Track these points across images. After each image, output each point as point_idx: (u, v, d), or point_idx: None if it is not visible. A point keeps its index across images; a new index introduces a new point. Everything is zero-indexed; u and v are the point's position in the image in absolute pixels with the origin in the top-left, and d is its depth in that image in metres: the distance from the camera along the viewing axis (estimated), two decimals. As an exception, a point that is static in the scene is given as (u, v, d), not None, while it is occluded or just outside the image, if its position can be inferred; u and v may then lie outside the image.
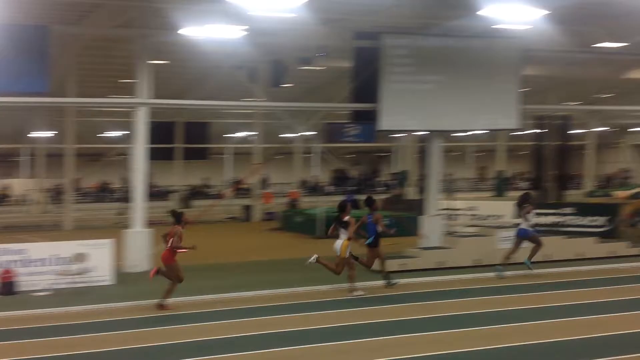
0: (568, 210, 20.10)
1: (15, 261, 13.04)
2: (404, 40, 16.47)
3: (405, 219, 21.52)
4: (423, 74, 16.59)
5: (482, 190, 46.29)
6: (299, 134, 31.50)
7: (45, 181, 35.00)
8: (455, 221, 21.87)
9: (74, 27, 18.59)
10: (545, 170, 30.57)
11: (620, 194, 35.50)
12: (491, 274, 14.43)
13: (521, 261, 14.57)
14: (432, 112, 16.89)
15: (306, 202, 33.31)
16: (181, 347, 9.01)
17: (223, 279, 14.44)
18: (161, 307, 11.30)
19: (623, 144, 51.70)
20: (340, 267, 12.43)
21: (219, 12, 14.22)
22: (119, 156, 33.74)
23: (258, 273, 15.52)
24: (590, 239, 17.41)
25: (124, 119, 26.47)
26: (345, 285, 12.56)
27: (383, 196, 35.96)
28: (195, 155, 36.22)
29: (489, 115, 17.40)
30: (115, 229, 19.14)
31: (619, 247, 17.35)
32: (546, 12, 13.84)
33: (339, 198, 33.27)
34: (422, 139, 20.59)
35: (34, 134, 33.22)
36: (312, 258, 12.44)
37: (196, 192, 42.95)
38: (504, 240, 15.37)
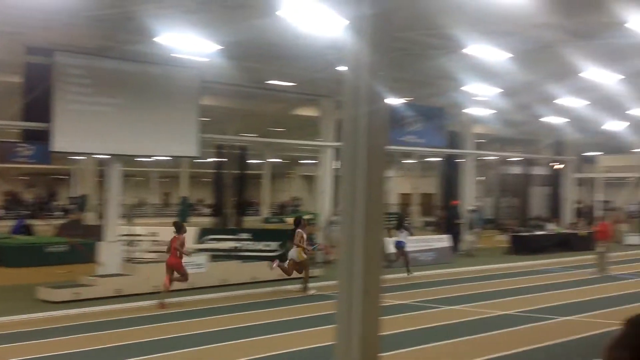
0: (245, 235, 21.19)
1: None
2: (79, 60, 15.86)
3: (83, 245, 20.60)
4: (100, 96, 16.11)
5: (167, 216, 46.45)
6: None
7: None
8: (136, 247, 21.57)
9: None
10: (226, 197, 32.05)
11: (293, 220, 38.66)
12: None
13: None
14: (110, 136, 16.47)
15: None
16: None
17: None
18: None
19: (294, 174, 56.64)
20: (291, 271, 15.92)
21: None
22: None
23: None
24: (264, 263, 18.57)
25: None
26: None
27: (60, 221, 33.94)
28: None
29: (169, 141, 17.61)
30: None
31: (288, 270, 18.76)
32: (220, 46, 14.61)
33: (11, 223, 30.78)
34: (101, 162, 19.99)
35: None
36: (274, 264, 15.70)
37: None
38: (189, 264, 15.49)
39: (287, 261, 16.15)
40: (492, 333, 12.05)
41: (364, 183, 6.02)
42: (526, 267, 22.03)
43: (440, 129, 25.43)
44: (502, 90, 21.28)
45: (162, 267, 14.40)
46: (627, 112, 26.10)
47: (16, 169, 43.90)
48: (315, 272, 18.21)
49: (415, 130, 24.04)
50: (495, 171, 39.77)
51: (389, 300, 15.08)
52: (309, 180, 47.55)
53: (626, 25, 11.03)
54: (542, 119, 29.55)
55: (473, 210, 26.90)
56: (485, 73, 18.22)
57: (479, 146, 32.31)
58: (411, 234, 21.35)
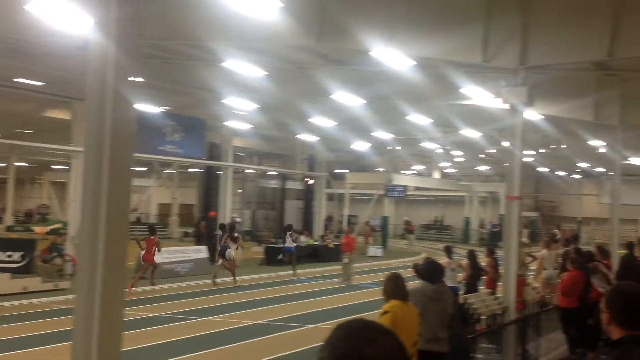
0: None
1: None
2: None
3: None
4: None
5: None
6: None
7: None
8: None
9: None
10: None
11: (40, 229, 35.89)
12: None
13: None
14: None
15: None
16: None
17: None
18: None
19: (43, 180, 52.66)
20: (233, 269, 19.98)
21: None
22: None
23: None
24: (6, 275, 17.03)
25: None
26: None
27: None
28: None
29: None
30: None
31: (33, 283, 17.35)
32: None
33: None
34: None
35: None
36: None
37: None
38: None
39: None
40: (242, 342, 12.32)
41: (107, 191, 5.79)
42: (279, 278, 22.89)
43: (200, 140, 25.51)
44: (259, 106, 21.94)
45: None
46: (371, 133, 28.46)
47: None
48: (62, 284, 17.23)
49: (174, 140, 23.83)
50: (253, 184, 40.84)
51: (140, 312, 14.73)
52: (62, 187, 44.62)
53: (370, 53, 12.01)
54: (297, 136, 31.04)
55: (236, 222, 27.29)
56: (244, 88, 18.64)
57: (238, 159, 32.97)
58: (294, 240, 25.06)
